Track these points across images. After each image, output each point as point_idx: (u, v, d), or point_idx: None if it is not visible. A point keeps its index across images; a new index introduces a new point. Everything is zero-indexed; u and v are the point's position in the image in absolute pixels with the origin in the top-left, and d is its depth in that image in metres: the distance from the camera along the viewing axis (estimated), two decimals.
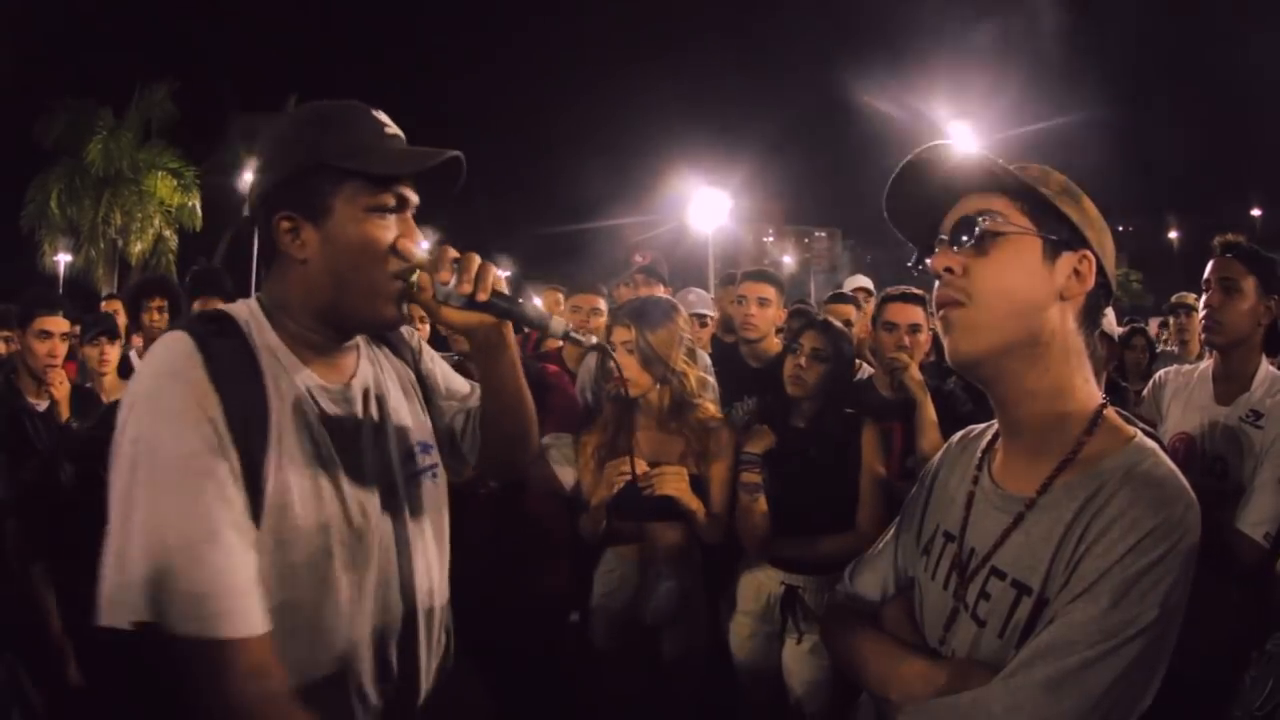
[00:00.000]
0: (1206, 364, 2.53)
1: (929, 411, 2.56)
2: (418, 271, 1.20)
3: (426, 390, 1.46)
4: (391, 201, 1.19)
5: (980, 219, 1.07)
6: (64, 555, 2.54)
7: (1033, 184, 1.07)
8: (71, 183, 22.76)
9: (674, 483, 2.32)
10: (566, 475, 2.56)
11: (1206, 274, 2.43)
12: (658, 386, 2.44)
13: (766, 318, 3.34)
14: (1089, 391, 1.10)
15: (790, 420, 2.54)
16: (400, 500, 1.29)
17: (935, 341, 2.92)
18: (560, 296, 5.18)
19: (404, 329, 1.46)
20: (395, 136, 1.23)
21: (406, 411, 1.38)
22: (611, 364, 2.46)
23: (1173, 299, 5.43)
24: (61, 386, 3.09)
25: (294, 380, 1.20)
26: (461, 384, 1.51)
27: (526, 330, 1.39)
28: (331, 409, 1.23)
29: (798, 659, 2.43)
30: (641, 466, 2.31)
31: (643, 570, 2.46)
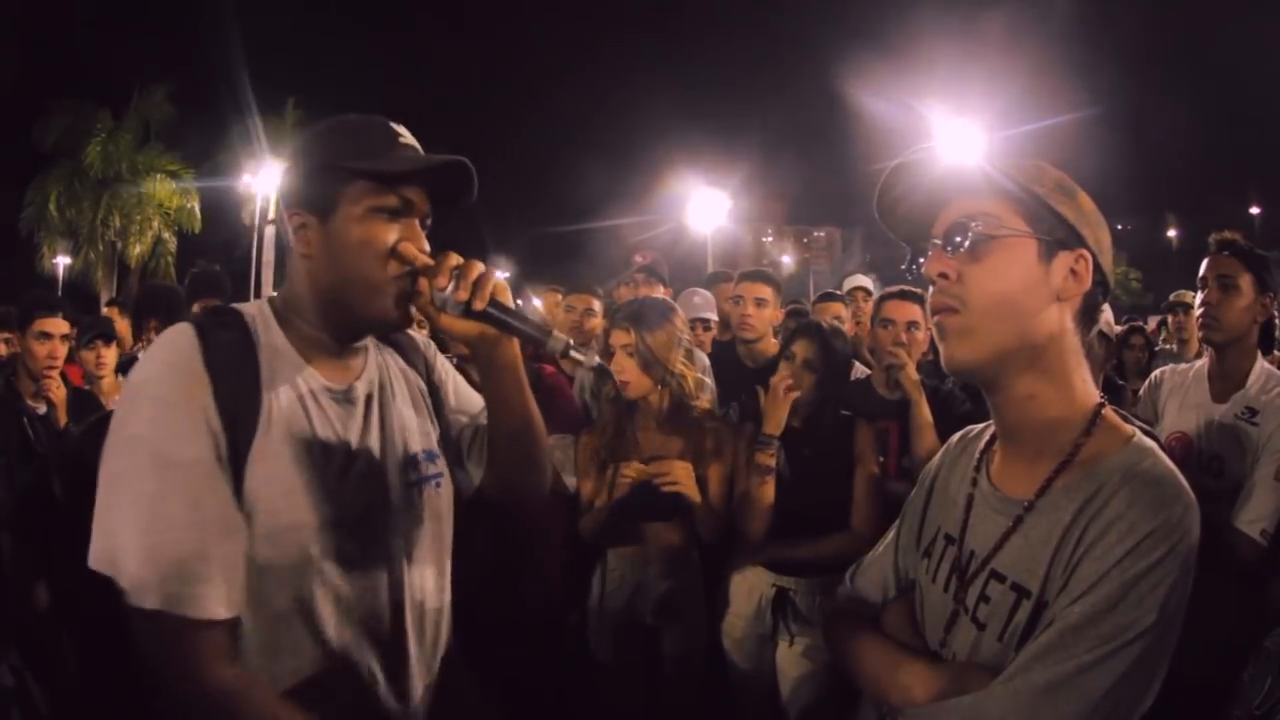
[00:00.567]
0: (1202, 362, 2.53)
1: (924, 412, 2.56)
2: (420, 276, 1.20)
3: (436, 401, 1.45)
4: (395, 203, 1.20)
5: (973, 223, 1.05)
6: (59, 560, 2.53)
7: (1026, 184, 1.05)
8: (70, 185, 22.75)
9: (683, 476, 2.31)
10: (570, 477, 2.56)
11: (1203, 271, 2.43)
12: (658, 389, 2.44)
13: (763, 318, 3.35)
14: (1087, 391, 1.09)
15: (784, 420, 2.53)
16: (396, 506, 1.28)
17: (933, 340, 2.92)
18: (559, 296, 5.16)
19: (419, 338, 1.48)
20: (409, 146, 1.25)
21: (412, 418, 1.37)
22: (610, 386, 2.47)
23: (1171, 297, 5.44)
24: (58, 390, 3.09)
25: (294, 378, 1.21)
26: (474, 399, 1.49)
27: None
28: (331, 409, 1.23)
29: (790, 661, 2.42)
30: (641, 470, 2.30)
31: (641, 571, 2.46)
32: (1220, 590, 1.86)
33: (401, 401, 1.36)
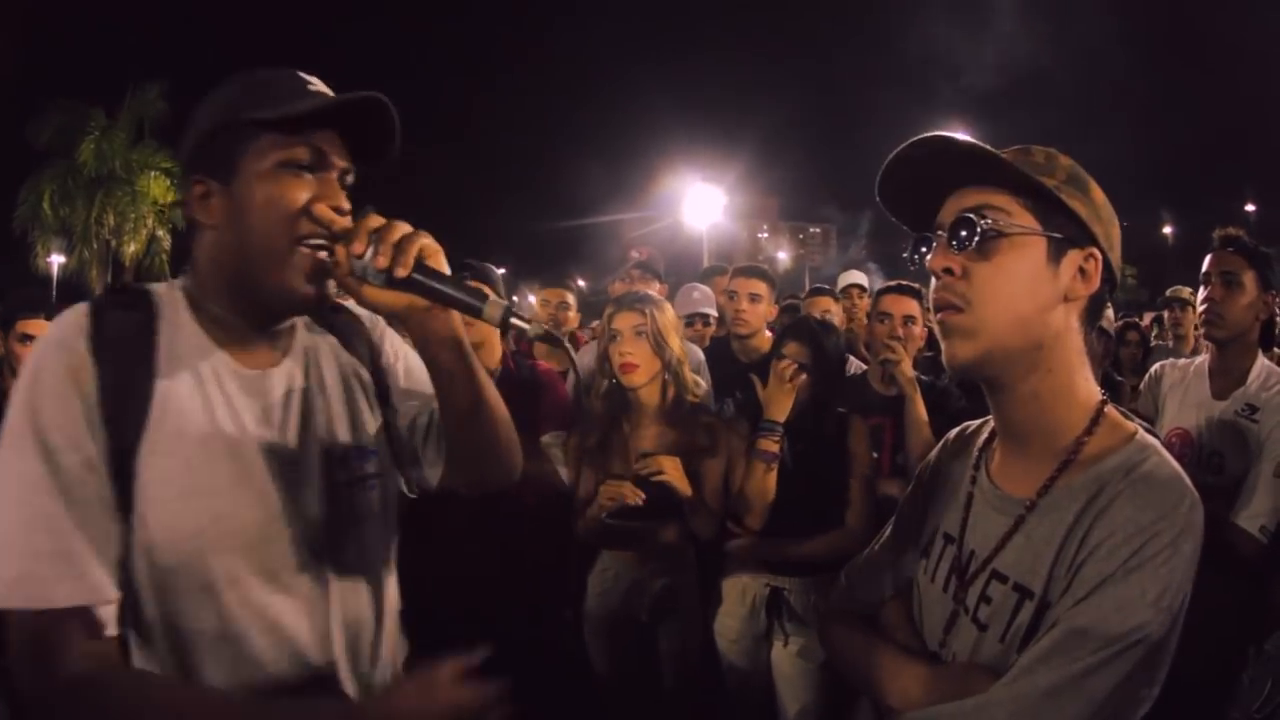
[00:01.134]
0: (1202, 359, 2.53)
1: (919, 409, 2.55)
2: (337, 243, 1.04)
3: (383, 390, 1.30)
4: (306, 156, 1.07)
5: (981, 219, 1.01)
6: None
7: (1037, 178, 1.02)
8: (64, 184, 22.74)
9: (670, 471, 2.28)
10: (568, 473, 2.54)
11: (1206, 267, 2.42)
12: (661, 376, 2.41)
13: (758, 313, 3.36)
14: (1089, 390, 1.07)
15: None
16: (318, 510, 1.14)
17: (930, 335, 2.90)
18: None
19: (367, 319, 1.33)
20: (320, 93, 1.10)
21: (343, 413, 1.22)
22: (601, 381, 2.44)
23: (1168, 293, 5.43)
24: None
25: (198, 364, 1.08)
26: (426, 381, 1.25)
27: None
28: (240, 400, 1.10)
29: (785, 661, 2.41)
30: (621, 489, 2.26)
31: (637, 569, 2.44)
32: (1220, 588, 1.85)
33: (332, 392, 1.22)
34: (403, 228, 1.04)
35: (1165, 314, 5.52)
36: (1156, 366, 2.71)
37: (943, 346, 1.07)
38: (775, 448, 2.33)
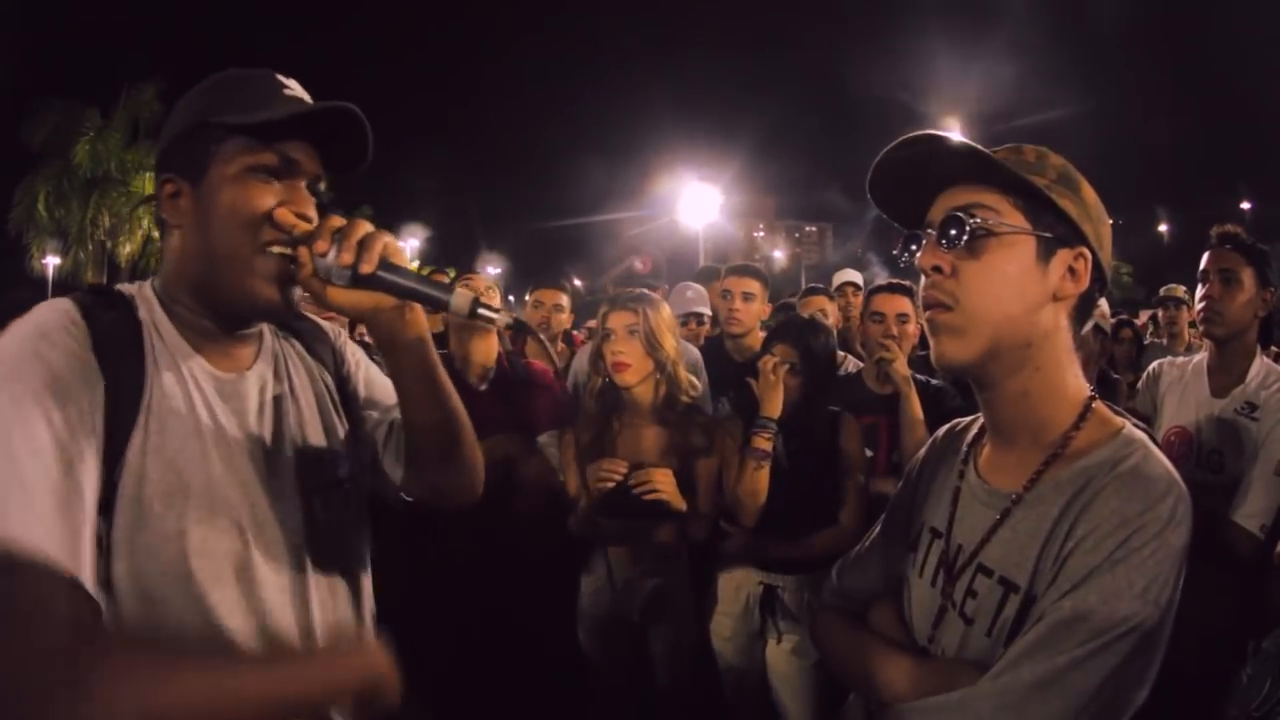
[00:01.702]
0: (1201, 356, 2.53)
1: (914, 407, 2.54)
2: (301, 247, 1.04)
3: (345, 395, 1.30)
4: (274, 161, 1.06)
5: (971, 217, 1.02)
6: None
7: (1027, 177, 1.02)
8: (59, 185, 22.73)
9: (662, 485, 2.28)
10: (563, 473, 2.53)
11: (1204, 265, 2.42)
12: (654, 375, 2.40)
13: (751, 312, 3.36)
14: (1078, 386, 1.07)
15: None
16: (293, 514, 1.14)
17: (924, 333, 2.89)
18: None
19: (329, 327, 1.33)
20: (295, 98, 1.10)
21: (314, 419, 1.22)
22: (596, 379, 2.44)
23: (1162, 291, 5.44)
24: None
25: (179, 364, 1.08)
26: (389, 390, 1.28)
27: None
28: (218, 402, 1.10)
29: (779, 659, 2.41)
30: (623, 467, 2.27)
31: (630, 569, 2.43)
32: (1217, 585, 1.85)
33: (303, 397, 1.22)
34: (365, 226, 1.04)
35: (1159, 312, 5.53)
36: (1155, 365, 2.70)
37: (931, 344, 1.08)
38: (768, 445, 2.33)
